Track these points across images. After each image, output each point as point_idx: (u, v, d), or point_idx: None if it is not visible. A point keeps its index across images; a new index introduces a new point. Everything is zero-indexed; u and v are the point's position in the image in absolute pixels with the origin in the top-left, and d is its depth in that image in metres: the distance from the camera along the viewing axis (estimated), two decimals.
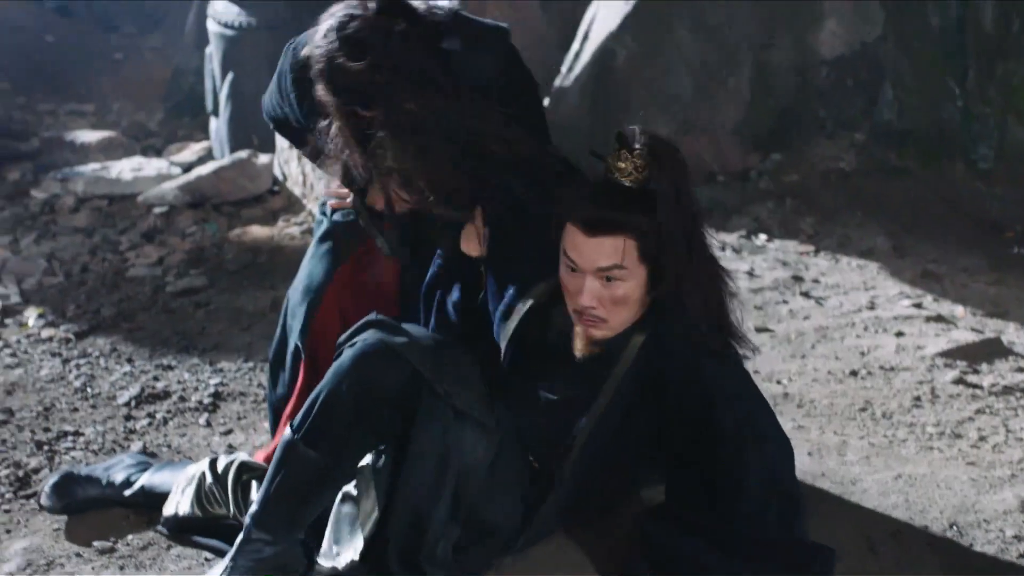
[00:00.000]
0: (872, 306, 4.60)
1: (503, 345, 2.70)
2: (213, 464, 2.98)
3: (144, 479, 3.08)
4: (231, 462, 2.97)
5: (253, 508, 2.68)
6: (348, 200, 3.09)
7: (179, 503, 2.97)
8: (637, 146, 2.49)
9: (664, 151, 2.52)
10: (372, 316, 2.69)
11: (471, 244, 2.84)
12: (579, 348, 2.63)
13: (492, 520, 2.72)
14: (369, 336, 2.62)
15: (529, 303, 2.69)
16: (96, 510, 3.10)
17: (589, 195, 2.52)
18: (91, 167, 6.33)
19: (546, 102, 5.80)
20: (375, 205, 2.98)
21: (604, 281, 2.51)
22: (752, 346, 2.66)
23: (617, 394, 2.64)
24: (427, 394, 2.58)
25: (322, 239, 3.18)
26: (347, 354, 2.61)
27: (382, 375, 2.57)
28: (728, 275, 2.65)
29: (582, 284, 2.51)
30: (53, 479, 3.14)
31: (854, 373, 3.97)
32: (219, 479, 2.95)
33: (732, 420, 2.54)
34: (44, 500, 3.13)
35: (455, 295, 2.86)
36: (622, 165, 2.50)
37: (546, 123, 3.00)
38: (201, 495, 2.95)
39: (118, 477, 3.12)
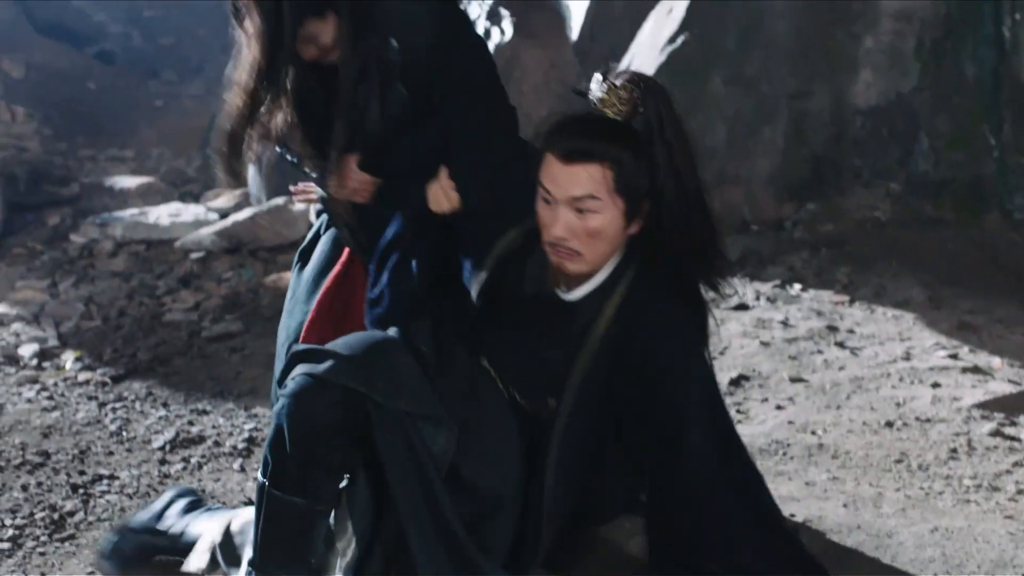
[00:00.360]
0: (908, 357, 4.57)
1: (474, 294, 2.66)
2: (227, 529, 2.94)
3: (187, 528, 3.05)
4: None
5: (251, 556, 2.65)
6: (313, 196, 3.14)
7: (197, 561, 2.95)
8: (619, 81, 2.48)
9: (647, 84, 2.49)
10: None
11: (441, 202, 2.83)
12: (554, 283, 2.60)
13: (491, 486, 2.63)
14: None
15: (499, 250, 2.67)
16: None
17: (569, 124, 2.49)
18: (130, 212, 6.40)
19: None
20: (336, 194, 2.99)
21: (578, 213, 2.46)
22: (735, 290, 2.66)
23: (601, 344, 2.58)
24: (372, 407, 2.50)
25: (298, 258, 3.25)
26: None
27: (318, 411, 2.50)
28: (713, 214, 2.59)
29: (556, 215, 2.47)
30: (111, 542, 3.01)
31: (890, 424, 3.94)
32: (231, 540, 2.92)
33: (674, 390, 2.52)
34: (106, 567, 3.01)
35: (420, 253, 2.81)
36: (604, 97, 2.49)
37: (494, 76, 2.99)
38: (216, 556, 2.92)
39: (175, 527, 3.06)
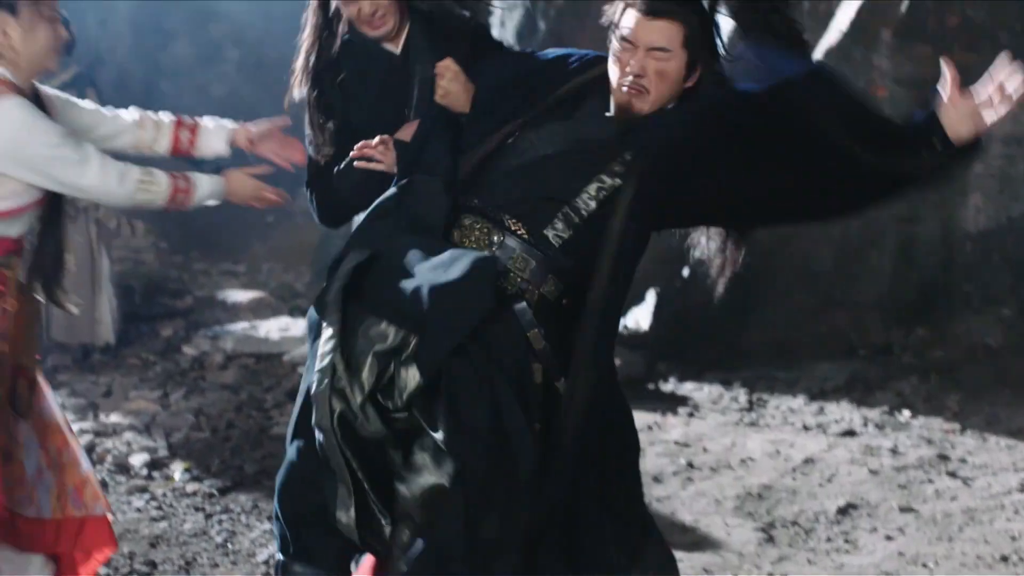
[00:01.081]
0: (1023, 488, 4.45)
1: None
2: None
3: None
4: None
5: None
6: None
7: None
8: None
9: None
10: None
11: (450, 92, 2.99)
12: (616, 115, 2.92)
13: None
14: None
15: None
16: None
17: None
18: (240, 326, 6.55)
19: (685, 272, 5.83)
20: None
21: (654, 58, 2.86)
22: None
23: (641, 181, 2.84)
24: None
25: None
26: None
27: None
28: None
29: (635, 57, 2.85)
30: None
31: (1004, 559, 3.83)
32: None
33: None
34: None
35: (443, 143, 3.00)
36: None
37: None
38: None
39: None
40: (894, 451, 4.86)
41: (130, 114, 3.27)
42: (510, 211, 2.81)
